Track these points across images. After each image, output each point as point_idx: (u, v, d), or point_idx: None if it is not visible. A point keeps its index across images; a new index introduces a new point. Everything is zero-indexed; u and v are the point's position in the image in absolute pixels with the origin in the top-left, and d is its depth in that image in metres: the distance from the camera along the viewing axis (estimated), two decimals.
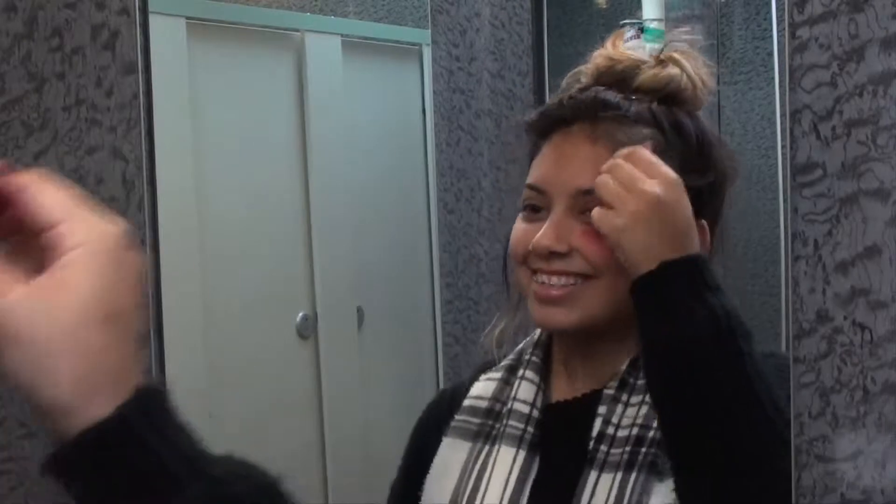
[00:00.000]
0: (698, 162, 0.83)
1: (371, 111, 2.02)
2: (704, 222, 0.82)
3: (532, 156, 0.86)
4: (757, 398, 0.73)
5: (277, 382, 1.85)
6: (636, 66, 0.85)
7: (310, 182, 1.90)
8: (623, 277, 0.77)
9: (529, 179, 0.85)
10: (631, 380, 0.82)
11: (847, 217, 0.69)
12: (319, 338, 1.91)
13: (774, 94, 1.25)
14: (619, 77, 0.85)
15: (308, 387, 1.91)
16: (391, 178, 2.06)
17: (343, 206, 1.93)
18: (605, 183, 0.77)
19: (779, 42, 1.22)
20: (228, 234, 1.69)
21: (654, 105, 0.84)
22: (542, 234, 0.80)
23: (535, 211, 0.83)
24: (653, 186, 0.75)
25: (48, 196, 0.46)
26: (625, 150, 0.78)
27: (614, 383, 0.83)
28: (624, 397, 0.82)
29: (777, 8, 1.26)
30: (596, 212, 0.77)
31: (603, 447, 0.80)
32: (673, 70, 0.84)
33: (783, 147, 0.81)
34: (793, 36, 0.70)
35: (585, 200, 0.79)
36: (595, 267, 0.80)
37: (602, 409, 0.82)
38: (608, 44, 0.88)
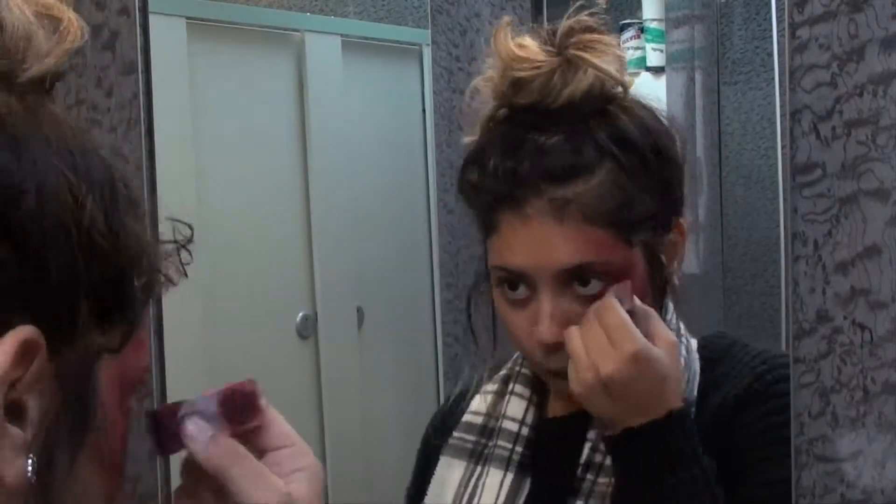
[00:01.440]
0: (660, 173, 0.76)
1: (371, 111, 2.02)
2: (680, 219, 0.79)
3: (484, 229, 0.77)
4: None
5: (277, 382, 1.85)
6: (549, 78, 0.73)
7: (310, 182, 1.90)
8: None
9: (498, 262, 0.76)
10: None
11: (847, 217, 0.69)
12: (319, 338, 1.91)
13: (774, 94, 1.25)
14: (536, 98, 0.74)
15: (308, 387, 1.91)
16: (391, 177, 2.06)
17: (343, 206, 1.93)
18: (573, 341, 0.72)
19: (779, 42, 1.22)
20: (228, 234, 1.69)
21: (592, 124, 0.74)
22: (543, 329, 0.74)
23: (515, 287, 0.76)
24: (608, 365, 0.70)
25: (278, 422, 0.55)
26: (599, 306, 0.72)
27: None
28: None
29: (777, 8, 1.26)
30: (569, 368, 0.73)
31: (590, 476, 0.77)
32: (589, 73, 0.74)
33: (783, 147, 0.80)
34: (793, 36, 0.70)
35: (572, 274, 0.73)
36: None
37: (591, 435, 0.78)
38: (499, 44, 0.75)
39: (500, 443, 0.83)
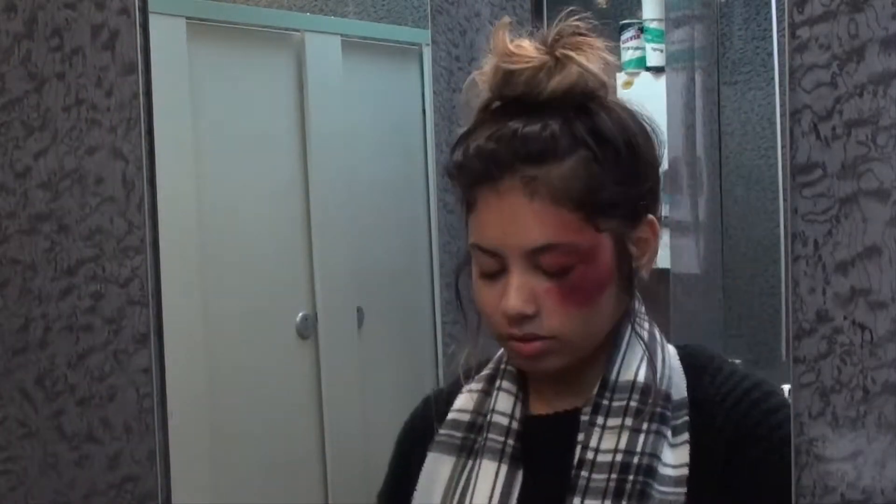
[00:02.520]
0: (632, 166, 0.81)
1: (371, 111, 2.02)
2: (651, 217, 0.83)
3: (466, 207, 0.83)
4: None
5: (277, 383, 1.85)
6: (536, 72, 0.79)
7: (310, 182, 1.90)
8: (589, 325, 0.80)
9: (474, 239, 0.81)
10: (604, 402, 0.82)
11: (847, 217, 0.69)
12: (319, 338, 1.91)
13: (774, 94, 1.25)
14: (523, 90, 0.80)
15: (308, 387, 1.91)
16: (391, 177, 2.06)
17: (343, 206, 1.93)
18: None
19: (779, 42, 1.22)
20: (228, 234, 1.70)
21: (571, 117, 0.79)
22: (511, 298, 0.78)
23: (489, 264, 0.81)
24: None
25: None
26: None
27: (588, 408, 0.82)
28: (599, 420, 0.81)
29: (777, 8, 1.26)
30: None
31: (584, 473, 0.80)
32: (574, 69, 0.79)
33: (783, 147, 0.80)
34: (793, 36, 0.70)
35: (539, 256, 0.78)
36: (561, 331, 0.79)
37: (581, 437, 0.81)
38: (496, 42, 0.81)
39: (492, 436, 0.85)
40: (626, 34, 1.41)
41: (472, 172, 0.80)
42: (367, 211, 1.99)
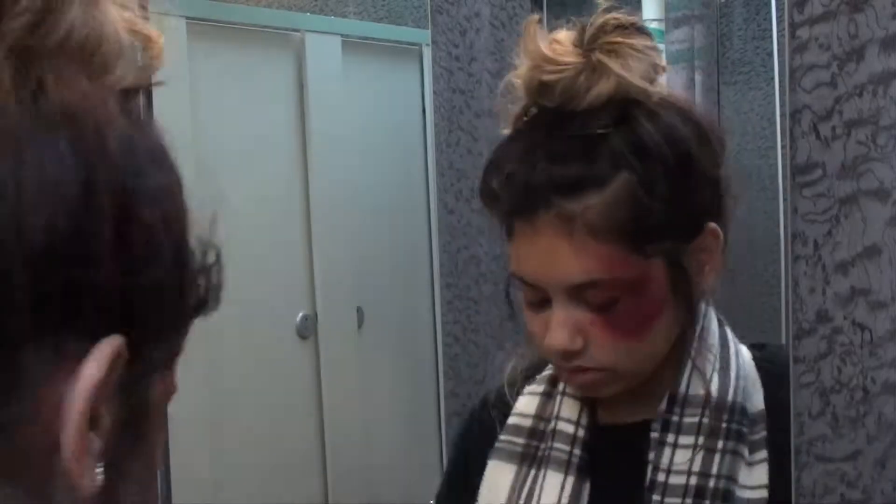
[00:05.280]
0: (684, 179, 0.74)
1: (371, 111, 2.02)
2: (712, 225, 0.77)
3: (506, 233, 0.78)
4: None
5: (277, 382, 1.85)
6: (573, 82, 0.73)
7: (310, 182, 1.90)
8: (642, 355, 0.75)
9: (515, 268, 0.76)
10: (674, 418, 0.78)
11: (847, 217, 0.69)
12: (319, 338, 1.91)
13: (774, 94, 1.25)
14: (559, 100, 0.74)
15: (308, 387, 1.91)
16: (391, 177, 2.07)
17: (343, 206, 1.93)
18: None
19: (779, 42, 1.22)
20: (228, 235, 1.69)
21: (611, 131, 0.73)
22: (554, 335, 0.74)
23: (533, 293, 0.76)
24: None
25: None
26: None
27: (657, 425, 0.78)
28: (670, 438, 0.77)
29: (777, 8, 1.27)
30: None
31: (656, 497, 0.76)
32: (612, 79, 0.73)
33: (783, 147, 0.80)
34: (793, 36, 0.70)
35: (582, 291, 0.73)
36: (611, 364, 0.75)
37: (651, 456, 0.77)
38: (528, 43, 0.75)
39: (557, 445, 0.81)
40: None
41: (506, 204, 0.75)
42: (366, 211, 1.99)
